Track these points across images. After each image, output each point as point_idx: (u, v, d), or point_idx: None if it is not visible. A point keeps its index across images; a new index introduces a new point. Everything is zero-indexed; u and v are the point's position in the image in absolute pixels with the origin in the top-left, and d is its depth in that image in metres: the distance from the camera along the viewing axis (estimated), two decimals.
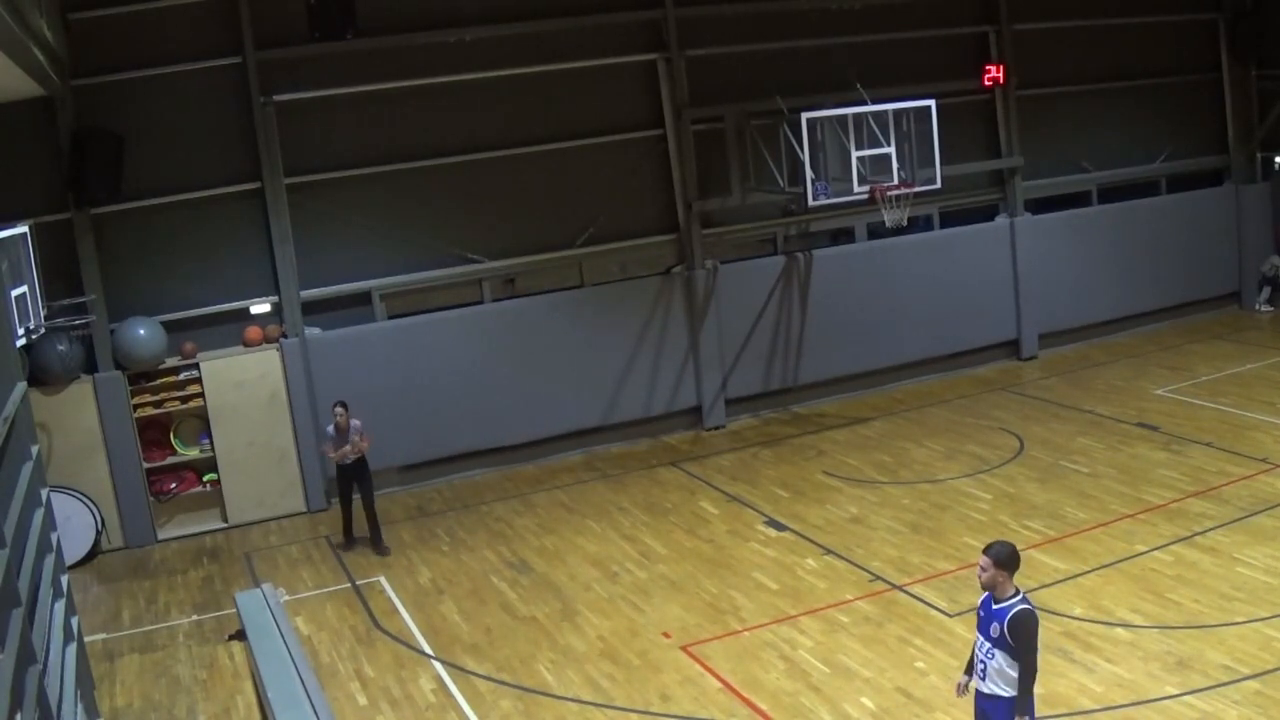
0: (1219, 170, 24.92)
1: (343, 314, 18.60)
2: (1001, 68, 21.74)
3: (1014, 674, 8.37)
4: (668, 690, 11.76)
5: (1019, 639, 8.32)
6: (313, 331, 18.18)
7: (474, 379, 18.99)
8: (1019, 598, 8.43)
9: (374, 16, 17.83)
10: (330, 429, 16.30)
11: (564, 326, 19.54)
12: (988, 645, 8.49)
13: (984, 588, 8.57)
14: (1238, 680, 10.78)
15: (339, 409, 16.02)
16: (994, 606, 8.48)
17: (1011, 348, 23.04)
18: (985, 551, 8.52)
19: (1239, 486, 15.53)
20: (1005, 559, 8.47)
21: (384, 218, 18.60)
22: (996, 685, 8.46)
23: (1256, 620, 11.83)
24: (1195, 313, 24.62)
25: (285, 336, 18.01)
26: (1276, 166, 24.72)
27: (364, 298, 18.69)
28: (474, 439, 19.20)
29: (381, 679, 12.54)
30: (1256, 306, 24.71)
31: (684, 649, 12.62)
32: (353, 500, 16.34)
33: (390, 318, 18.88)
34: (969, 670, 8.89)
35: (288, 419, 17.97)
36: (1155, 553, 13.77)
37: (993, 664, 8.47)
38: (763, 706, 11.24)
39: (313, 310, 18.33)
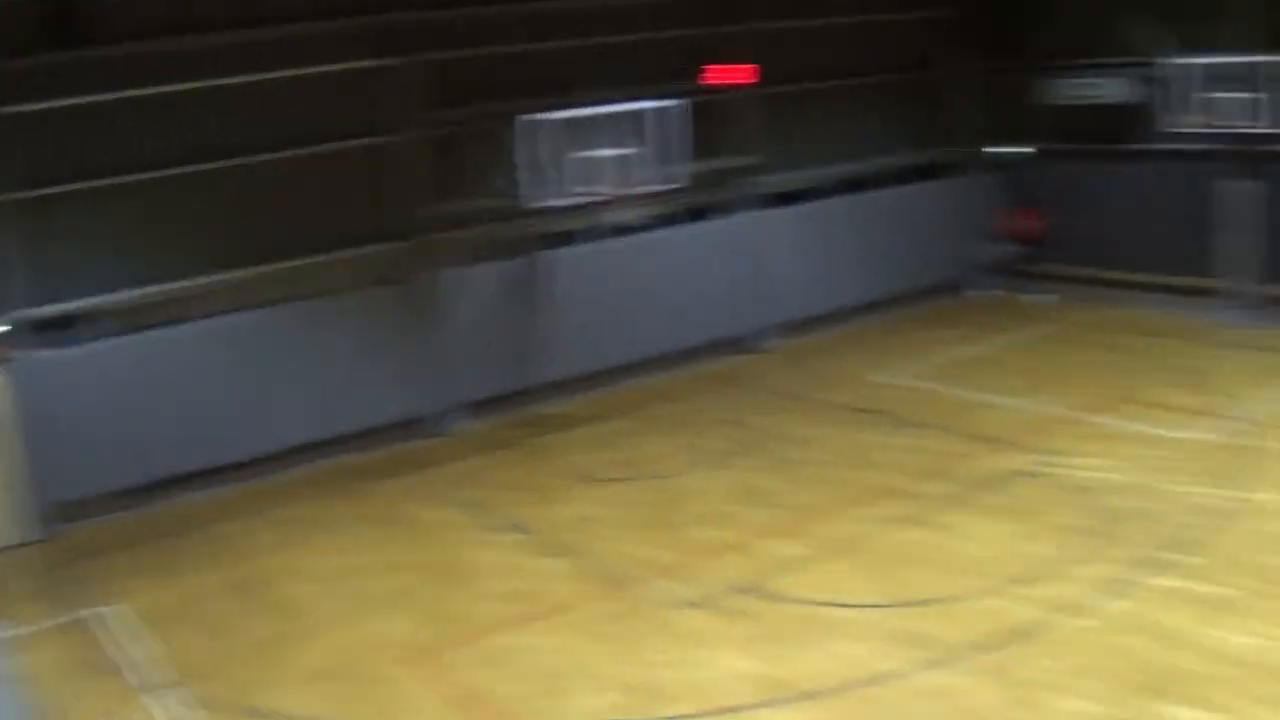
0: (944, 164, 26.08)
1: (65, 334, 17.37)
2: (739, 67, 22.11)
3: None
4: (411, 705, 11.42)
5: None
6: (33, 354, 17.00)
7: (197, 396, 18.06)
8: None
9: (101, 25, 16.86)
10: None
11: (291, 339, 18.83)
12: None
13: None
14: (969, 653, 11.09)
15: None
16: None
17: (746, 341, 23.42)
18: None
19: (964, 466, 16.13)
20: None
21: (105, 234, 17.54)
22: None
23: (985, 594, 12.21)
24: (921, 301, 25.67)
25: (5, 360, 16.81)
26: (990, 159, 25.94)
27: (83, 316, 17.51)
28: (199, 458, 18.25)
29: (112, 714, 11.69)
30: (974, 294, 25.82)
31: (416, 662, 12.26)
32: None
33: (117, 335, 17.69)
34: None
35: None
36: (885, 534, 14.15)
37: None
38: (500, 710, 11.03)
39: (36, 331, 17.13)
